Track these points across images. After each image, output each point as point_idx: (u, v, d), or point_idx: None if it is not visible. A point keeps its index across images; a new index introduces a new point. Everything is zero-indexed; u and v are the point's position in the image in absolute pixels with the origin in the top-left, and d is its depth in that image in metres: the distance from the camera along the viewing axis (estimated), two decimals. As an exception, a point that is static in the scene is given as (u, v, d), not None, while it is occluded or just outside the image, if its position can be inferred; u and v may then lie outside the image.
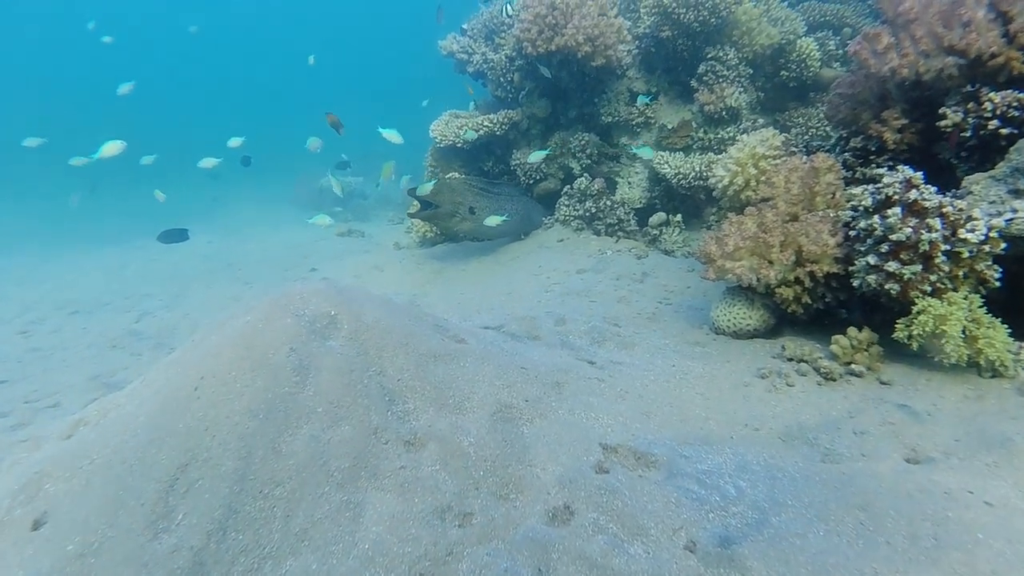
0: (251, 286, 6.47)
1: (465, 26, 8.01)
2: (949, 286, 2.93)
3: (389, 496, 1.97)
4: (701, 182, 5.99)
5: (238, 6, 41.50)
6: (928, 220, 2.88)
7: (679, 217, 6.24)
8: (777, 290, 3.44)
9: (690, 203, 6.40)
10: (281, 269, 7.39)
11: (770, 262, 3.41)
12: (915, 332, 2.83)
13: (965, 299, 2.86)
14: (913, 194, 2.90)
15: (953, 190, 3.25)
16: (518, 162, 7.15)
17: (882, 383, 3.01)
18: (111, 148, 5.95)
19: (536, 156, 5.86)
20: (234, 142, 7.16)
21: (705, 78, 6.49)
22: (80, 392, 3.47)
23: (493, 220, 5.80)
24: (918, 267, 2.87)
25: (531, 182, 7.21)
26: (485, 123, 7.07)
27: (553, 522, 1.99)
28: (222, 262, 7.98)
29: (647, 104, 6.66)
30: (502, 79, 7.21)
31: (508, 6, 7.17)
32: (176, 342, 4.53)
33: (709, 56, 6.51)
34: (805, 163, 3.66)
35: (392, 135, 5.40)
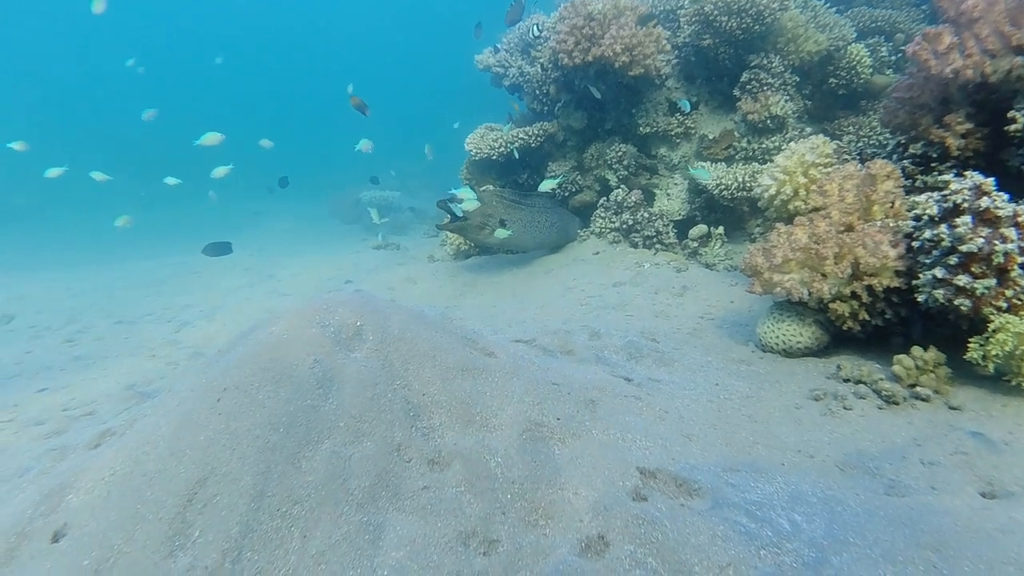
0: (287, 298, 6.53)
1: (500, 45, 8.03)
2: (1027, 302, 2.66)
3: (411, 518, 1.86)
4: (744, 193, 5.76)
5: (268, 31, 43.12)
6: (1002, 230, 2.63)
7: (721, 229, 6.01)
8: (831, 305, 3.21)
9: (732, 215, 6.16)
10: (317, 281, 7.44)
11: (823, 275, 3.19)
12: (991, 352, 2.57)
13: (1047, 316, 2.59)
14: (984, 202, 2.66)
15: (1027, 198, 2.98)
16: (553, 174, 7.05)
17: (951, 408, 2.74)
18: (211, 138, 6.25)
19: (546, 184, 5.81)
20: (265, 143, 7.32)
21: (748, 86, 6.27)
22: (116, 401, 3.49)
23: (501, 233, 5.77)
24: (992, 281, 2.62)
25: (567, 194, 7.09)
26: (520, 135, 7.01)
27: (586, 554, 1.83)
28: (261, 274, 8.10)
29: (688, 112, 6.47)
30: (538, 91, 7.15)
31: (536, 27, 7.16)
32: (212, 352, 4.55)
33: (752, 64, 6.30)
34: (861, 170, 3.44)
35: (465, 193, 5.70)
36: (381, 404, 2.18)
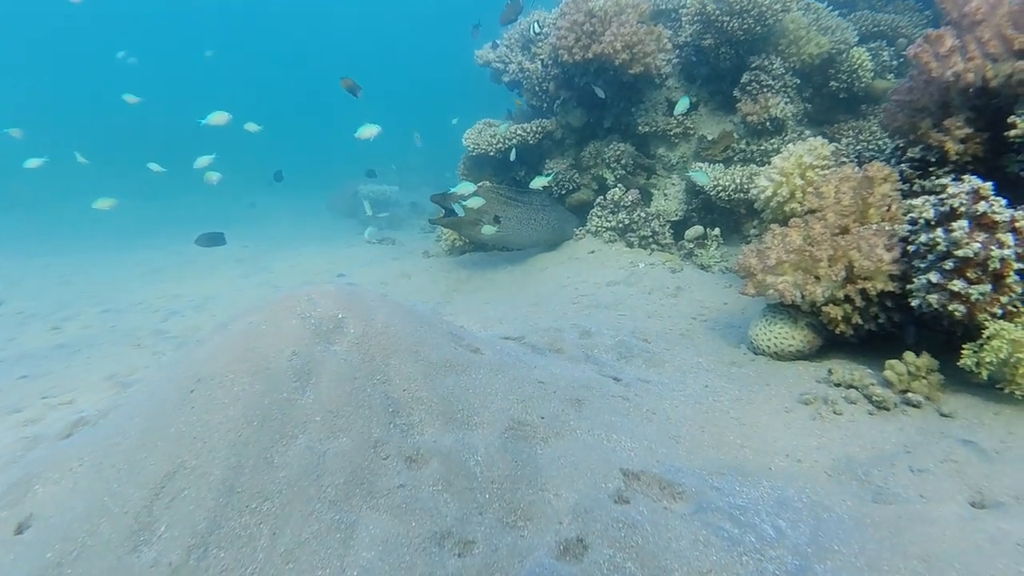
0: (279, 289, 6.47)
1: (499, 40, 7.97)
2: (1022, 309, 2.62)
3: (384, 517, 1.80)
4: (742, 195, 5.71)
5: (267, 27, 42.81)
6: (999, 235, 2.58)
7: (717, 231, 5.97)
8: (824, 308, 3.17)
9: (729, 217, 6.11)
10: (311, 274, 7.39)
11: (817, 278, 3.14)
12: (985, 359, 2.53)
13: (1042, 324, 2.54)
14: (982, 206, 2.61)
15: (1025, 204, 2.94)
16: (551, 171, 7.00)
17: (943, 415, 2.70)
18: (218, 118, 6.20)
19: (538, 181, 5.75)
20: (251, 127, 7.12)
21: (748, 88, 6.22)
22: (96, 390, 3.43)
23: (488, 230, 5.72)
24: (987, 287, 2.57)
25: (564, 192, 7.04)
26: (518, 132, 6.95)
27: (564, 557, 1.78)
28: (255, 266, 8.04)
29: (687, 111, 6.38)
30: (537, 88, 7.09)
31: (536, 24, 7.11)
32: (198, 343, 4.49)
33: (753, 65, 6.24)
34: (858, 173, 3.39)
35: (465, 188, 5.70)
36: (360, 399, 2.12)
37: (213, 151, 7.17)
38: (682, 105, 5.48)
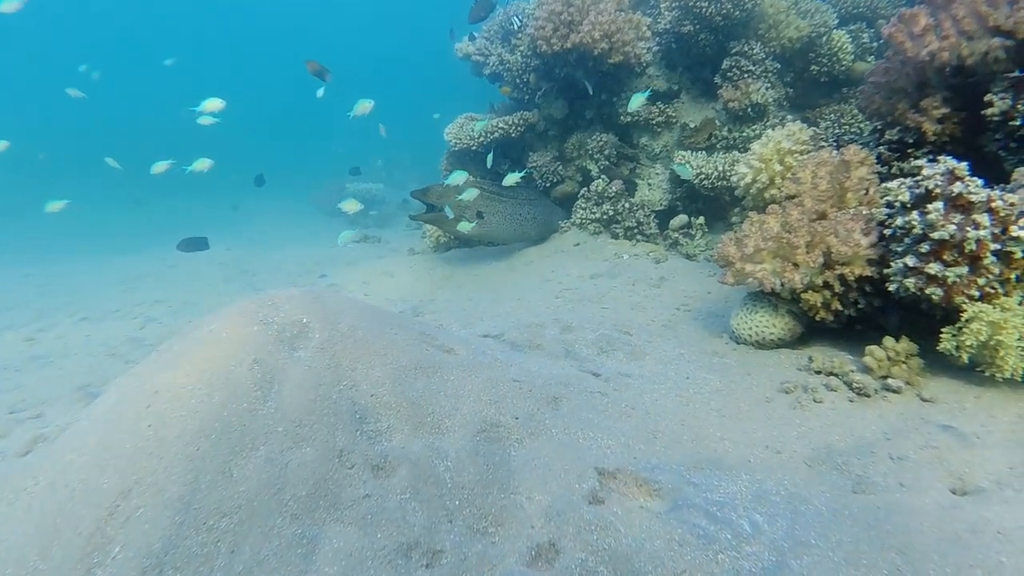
0: (261, 292, 6.38)
1: (476, 33, 7.86)
2: (1000, 290, 2.59)
3: (349, 530, 1.75)
4: (725, 182, 5.67)
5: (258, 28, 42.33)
6: (975, 216, 2.54)
7: (702, 219, 5.92)
8: (803, 295, 3.12)
9: (714, 205, 6.07)
10: (294, 275, 7.30)
11: (795, 264, 3.09)
12: (965, 342, 2.49)
13: (1021, 304, 2.51)
14: (957, 187, 2.57)
15: (1002, 184, 2.90)
16: (534, 164, 6.93)
17: (923, 400, 2.67)
18: (212, 104, 6.16)
19: (510, 178, 5.69)
20: (205, 120, 6.62)
21: (729, 74, 6.16)
22: (66, 403, 3.35)
23: (464, 226, 5.66)
24: (964, 269, 2.53)
25: (548, 185, 6.97)
26: (500, 125, 6.86)
27: (535, 563, 1.73)
28: (238, 269, 7.95)
29: (670, 99, 6.28)
30: (518, 80, 7.00)
31: (516, 18, 7.01)
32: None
33: (733, 51, 6.18)
34: (835, 157, 3.34)
35: (459, 177, 5.61)
36: (324, 406, 2.06)
37: (214, 153, 6.99)
38: (635, 102, 5.35)
